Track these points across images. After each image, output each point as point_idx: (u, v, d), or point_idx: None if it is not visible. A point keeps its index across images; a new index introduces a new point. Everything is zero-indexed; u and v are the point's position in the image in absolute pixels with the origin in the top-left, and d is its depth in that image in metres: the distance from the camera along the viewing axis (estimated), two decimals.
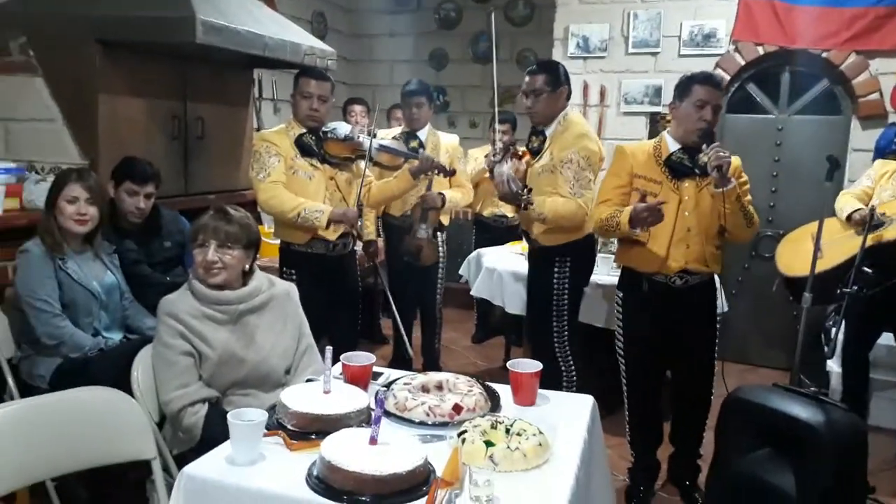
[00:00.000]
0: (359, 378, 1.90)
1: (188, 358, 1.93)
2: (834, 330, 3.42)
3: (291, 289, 2.17)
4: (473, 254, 4.14)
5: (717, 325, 2.77)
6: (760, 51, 4.24)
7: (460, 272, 4.18)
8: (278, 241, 3.16)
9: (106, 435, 1.69)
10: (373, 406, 1.60)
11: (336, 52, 3.96)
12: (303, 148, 2.91)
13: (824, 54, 4.13)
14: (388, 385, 1.91)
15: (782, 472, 2.20)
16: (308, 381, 1.96)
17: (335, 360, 1.91)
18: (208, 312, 1.97)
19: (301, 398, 1.69)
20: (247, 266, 2.05)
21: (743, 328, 4.43)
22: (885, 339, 3.46)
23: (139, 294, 2.65)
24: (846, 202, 3.34)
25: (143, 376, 1.96)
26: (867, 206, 3.24)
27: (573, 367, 3.13)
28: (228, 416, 1.50)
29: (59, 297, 2.36)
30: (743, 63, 4.28)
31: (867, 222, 3.02)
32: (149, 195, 2.72)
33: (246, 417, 1.51)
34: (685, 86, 2.59)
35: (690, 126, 2.56)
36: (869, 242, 2.92)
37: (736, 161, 2.59)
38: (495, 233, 4.57)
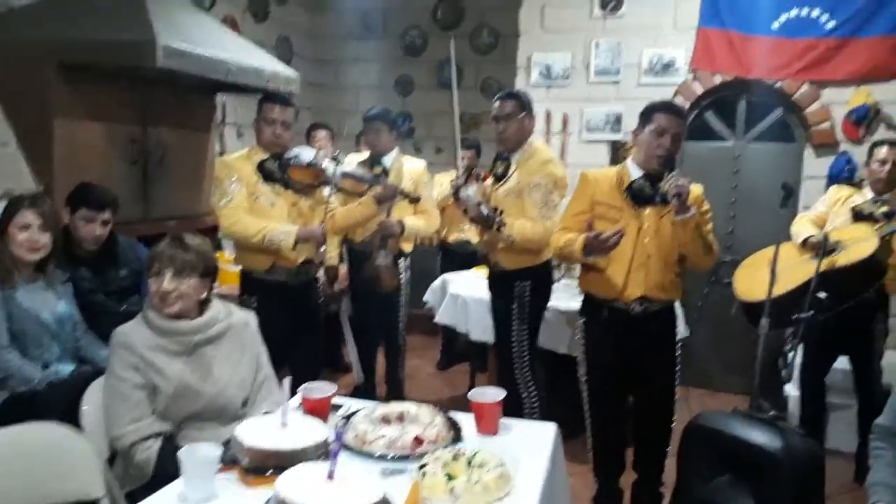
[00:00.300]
0: (318, 410, 1.87)
1: (141, 391, 1.88)
2: (791, 354, 3.49)
3: (250, 318, 2.13)
4: (438, 280, 4.13)
5: (678, 352, 2.79)
6: (717, 80, 4.35)
7: (425, 298, 4.16)
8: (239, 269, 3.11)
9: (51, 473, 1.62)
10: (332, 439, 1.57)
11: (301, 77, 3.96)
12: (265, 173, 2.89)
13: (778, 84, 4.25)
14: (348, 417, 1.88)
15: (742, 498, 2.21)
16: (266, 413, 1.92)
17: (295, 390, 1.88)
18: (163, 343, 1.93)
19: (257, 432, 1.65)
20: (204, 295, 2.01)
21: (704, 353, 4.48)
22: (841, 363, 3.52)
23: (94, 324, 2.58)
24: (801, 227, 3.43)
25: (93, 410, 1.89)
26: (822, 231, 3.33)
27: (535, 393, 3.13)
28: (180, 452, 1.46)
29: (7, 329, 2.29)
30: (701, 91, 4.38)
31: (821, 248, 3.10)
32: (105, 222, 2.66)
33: (199, 453, 1.47)
34: (647, 113, 2.63)
35: (650, 152, 2.58)
36: (823, 268, 2.98)
37: (697, 189, 2.63)
38: (461, 258, 4.57)
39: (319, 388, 1.93)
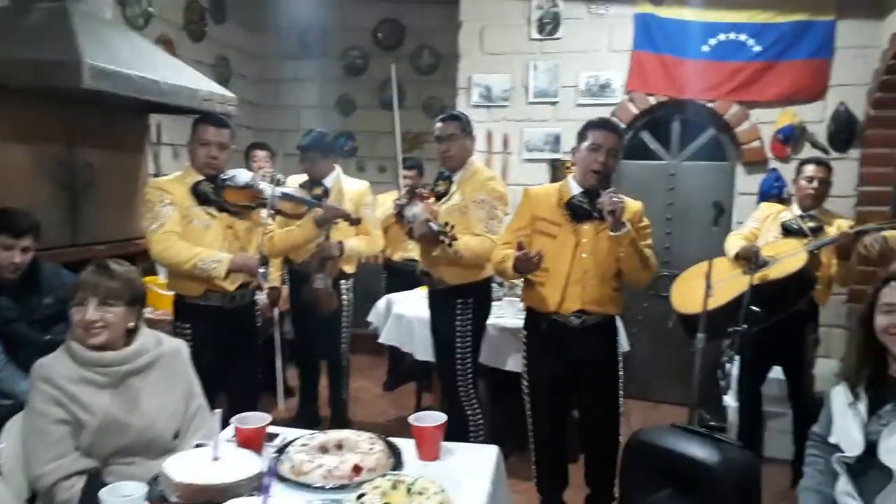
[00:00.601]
0: (252, 441, 1.81)
1: (63, 426, 1.78)
2: (729, 366, 3.58)
3: (181, 346, 2.06)
4: (382, 300, 4.09)
5: (620, 365, 2.82)
6: (652, 101, 4.47)
7: (369, 318, 4.12)
8: (173, 293, 3.01)
9: None
10: (265, 472, 1.52)
11: (238, 97, 3.89)
12: (199, 196, 2.80)
13: (710, 104, 4.39)
14: (284, 447, 1.82)
15: None
16: (197, 445, 1.84)
17: (226, 421, 1.82)
18: (87, 376, 1.84)
19: (187, 467, 1.58)
20: (131, 324, 1.93)
21: (645, 366, 4.55)
22: (776, 372, 3.63)
23: (16, 355, 2.46)
24: (734, 243, 3.53)
25: (11, 448, 1.79)
26: (752, 243, 3.43)
27: (479, 411, 3.12)
28: (101, 492, 1.39)
29: None
30: (636, 112, 4.49)
31: (753, 262, 3.20)
32: (25, 249, 2.53)
33: (121, 493, 1.40)
34: (583, 131, 2.69)
35: (586, 168, 2.63)
36: (755, 282, 3.08)
37: (637, 206, 2.69)
38: (406, 277, 4.54)
39: (253, 418, 1.87)
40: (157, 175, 4.28)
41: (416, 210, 2.93)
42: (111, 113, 3.48)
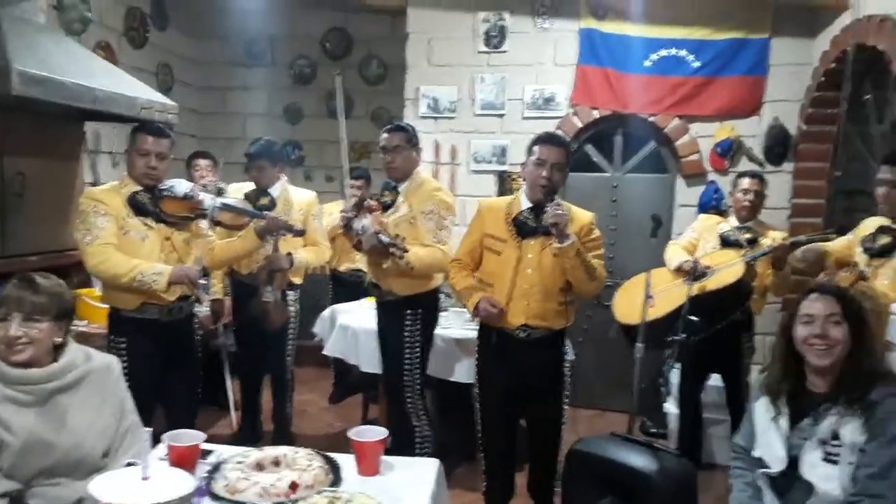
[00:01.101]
0: (185, 459, 1.76)
1: None
2: (669, 374, 3.67)
3: (112, 362, 1.99)
4: (327, 311, 4.04)
5: (567, 377, 2.85)
6: (596, 114, 4.55)
7: (314, 330, 4.07)
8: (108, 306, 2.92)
9: None
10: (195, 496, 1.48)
11: (182, 105, 3.82)
12: (136, 207, 2.72)
13: (651, 118, 4.50)
14: (218, 465, 1.78)
15: None
16: (128, 464, 1.78)
17: (156, 439, 1.77)
18: (10, 394, 1.76)
19: (114, 487, 1.52)
20: (58, 339, 1.86)
21: (589, 374, 4.61)
22: (715, 380, 3.72)
23: None
24: (674, 253, 3.62)
25: None
26: (692, 256, 3.53)
27: (427, 423, 3.11)
28: None
29: None
30: (581, 125, 4.57)
31: (692, 274, 3.29)
32: None
33: None
34: (530, 145, 2.72)
35: (533, 183, 2.65)
36: (694, 292, 3.17)
37: (586, 217, 2.72)
38: (352, 287, 4.51)
39: (187, 436, 1.82)
40: (95, 184, 4.15)
41: (365, 222, 2.90)
42: (44, 120, 3.37)
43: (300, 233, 3.23)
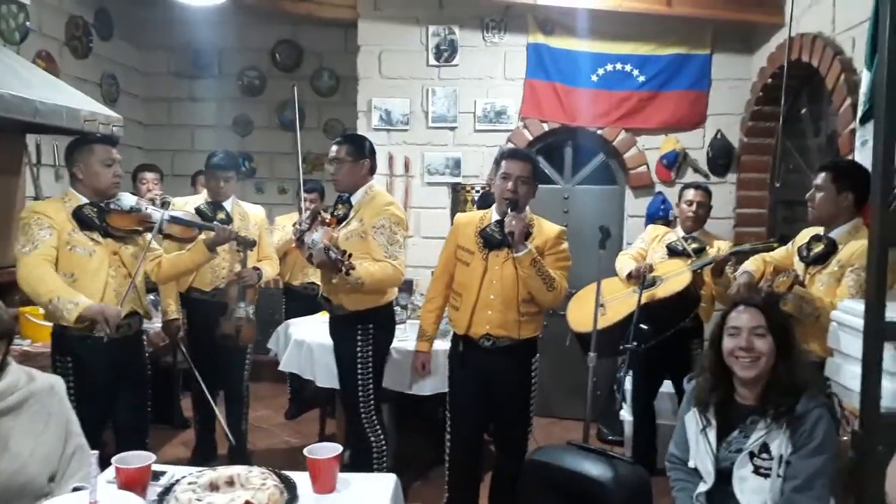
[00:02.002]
0: (134, 482, 1.70)
1: None
2: (622, 382, 3.73)
3: (56, 382, 1.92)
4: (282, 325, 3.99)
5: (533, 387, 2.89)
6: (545, 127, 4.62)
7: (269, 345, 4.01)
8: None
9: None
10: None
11: (127, 116, 3.73)
12: (82, 221, 2.64)
13: (599, 131, 4.59)
14: (170, 487, 1.73)
15: None
16: (76, 489, 1.72)
17: (107, 461, 1.71)
18: None
19: None
20: None
21: (546, 382, 4.62)
22: (668, 386, 3.80)
23: None
24: (624, 263, 3.69)
25: None
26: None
27: (382, 438, 3.09)
28: None
29: None
30: (531, 138, 4.63)
31: (641, 279, 3.35)
32: None
33: None
34: (497, 160, 2.88)
35: (499, 196, 2.79)
36: (644, 300, 3.23)
37: (553, 231, 2.84)
38: (306, 301, 4.46)
39: (136, 457, 1.76)
40: (37, 198, 4.02)
41: (316, 236, 2.87)
42: None
43: (251, 244, 3.19)
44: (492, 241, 2.79)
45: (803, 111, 3.99)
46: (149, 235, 2.80)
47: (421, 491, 3.47)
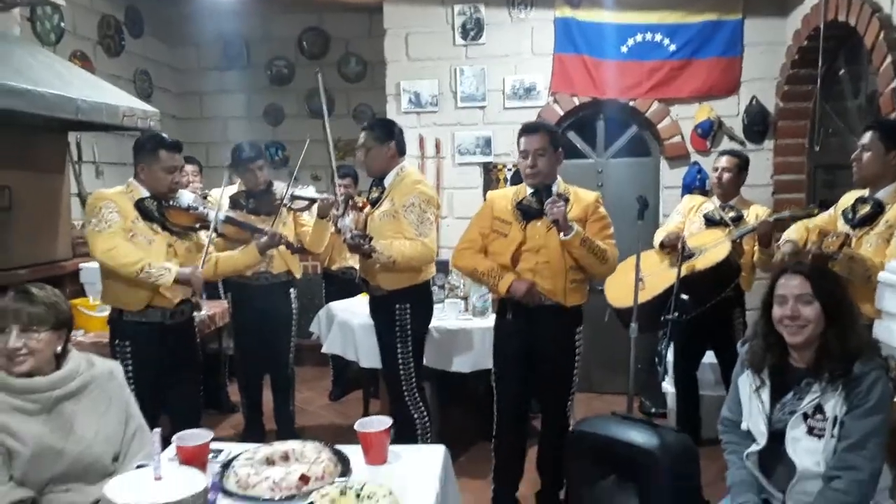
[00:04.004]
0: (194, 458, 1.77)
1: None
2: (664, 353, 3.71)
3: (115, 367, 2.00)
4: (323, 309, 4.06)
5: (578, 351, 2.91)
6: (576, 101, 4.58)
7: (311, 328, 4.08)
8: (105, 314, 2.91)
9: None
10: (209, 491, 1.50)
11: (161, 111, 3.80)
12: (143, 212, 2.75)
13: (631, 103, 4.54)
14: (229, 462, 1.80)
15: (627, 497, 2.32)
16: (139, 466, 1.79)
17: (167, 440, 1.78)
18: (16, 404, 1.77)
19: (128, 489, 1.54)
20: (59, 348, 1.87)
21: (585, 358, 4.62)
22: (709, 357, 3.77)
23: None
24: (661, 236, 3.66)
25: None
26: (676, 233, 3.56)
27: (426, 414, 3.14)
28: None
29: None
30: (562, 113, 4.59)
31: (680, 253, 3.33)
32: None
33: None
34: (517, 141, 2.86)
35: (524, 173, 2.83)
36: (683, 272, 3.21)
37: (590, 197, 2.86)
38: (345, 286, 4.52)
39: (194, 436, 1.83)
40: (80, 195, 4.14)
41: (347, 221, 2.97)
42: (27, 133, 3.35)
43: (299, 249, 3.28)
44: (530, 211, 2.81)
45: (841, 72, 3.89)
46: (204, 234, 2.88)
47: (465, 466, 3.51)
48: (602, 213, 2.86)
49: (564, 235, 2.64)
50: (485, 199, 3.08)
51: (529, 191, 2.85)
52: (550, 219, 2.65)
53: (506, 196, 2.94)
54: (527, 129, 2.84)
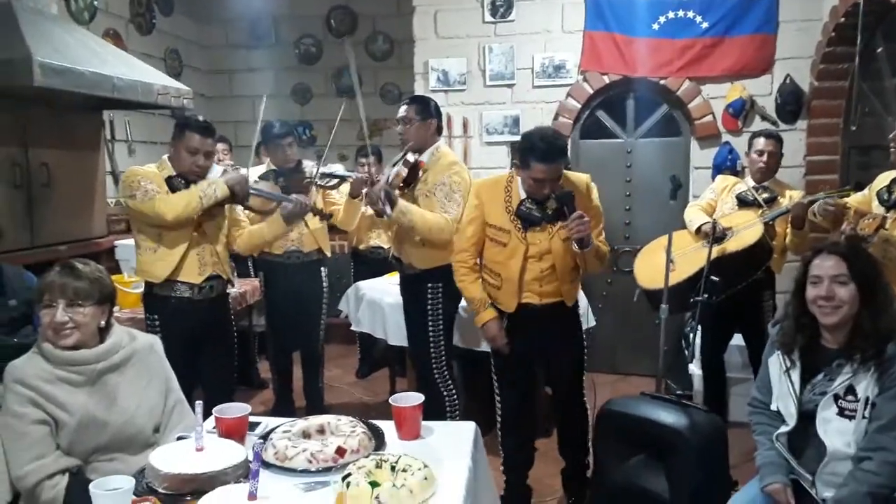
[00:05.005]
0: (234, 431, 1.82)
1: (42, 427, 1.77)
2: (692, 336, 3.70)
3: (155, 342, 2.05)
4: (352, 287, 4.10)
5: (585, 342, 2.89)
6: (606, 80, 4.53)
7: (339, 307, 4.13)
8: (139, 291, 2.98)
9: None
10: (250, 459, 1.54)
11: (192, 89, 3.84)
12: (173, 189, 2.79)
13: (662, 82, 4.48)
14: (267, 435, 1.84)
15: (656, 476, 2.34)
16: (179, 438, 1.85)
17: (208, 412, 1.83)
18: (63, 375, 1.83)
19: (172, 458, 1.60)
20: (102, 322, 1.92)
21: (611, 340, 4.66)
22: (737, 340, 3.75)
23: None
24: (694, 215, 3.62)
25: None
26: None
27: (454, 392, 3.18)
28: (91, 486, 1.39)
29: None
30: (591, 91, 4.55)
31: (711, 235, 3.30)
32: None
33: (110, 486, 1.41)
34: (524, 156, 2.56)
35: (533, 193, 2.61)
36: (714, 254, 3.18)
37: (583, 183, 2.72)
38: (373, 265, 4.55)
39: (233, 408, 1.88)
40: (113, 173, 4.21)
41: (393, 172, 2.98)
42: (63, 111, 3.41)
43: (327, 216, 3.29)
44: (531, 219, 2.64)
45: (879, 50, 3.80)
46: (237, 208, 2.92)
47: (492, 444, 3.54)
48: (596, 204, 2.74)
49: (583, 248, 2.52)
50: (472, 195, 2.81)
51: (524, 194, 2.64)
52: (575, 237, 2.48)
53: (496, 196, 2.69)
54: (549, 158, 2.50)
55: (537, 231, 2.64)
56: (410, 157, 3.06)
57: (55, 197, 3.34)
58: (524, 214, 2.64)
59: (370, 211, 3.57)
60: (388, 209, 2.85)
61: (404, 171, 3.03)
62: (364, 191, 3.05)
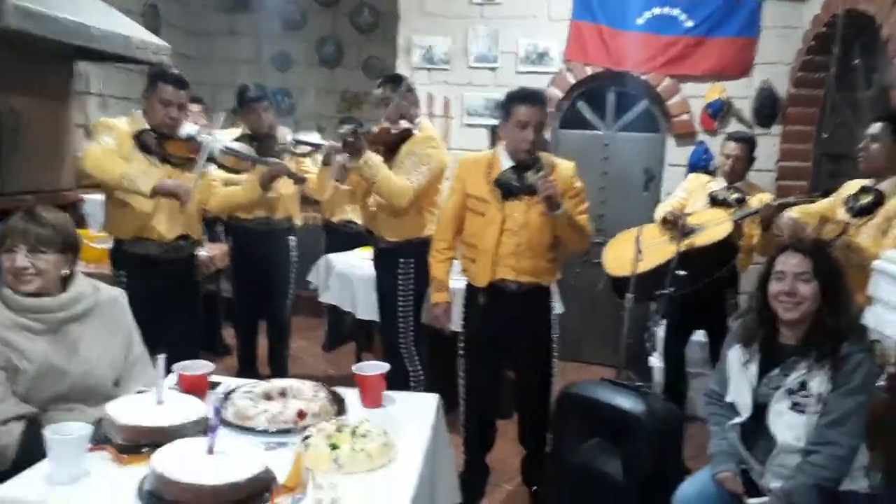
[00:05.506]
0: (195, 388, 1.81)
1: None
2: (655, 328, 3.76)
3: (120, 295, 2.03)
4: (322, 259, 4.08)
5: (554, 328, 2.90)
6: (589, 71, 4.55)
7: (309, 278, 4.11)
8: (104, 246, 2.93)
9: None
10: (210, 415, 1.53)
11: (171, 47, 3.76)
12: (142, 144, 2.74)
13: (644, 77, 4.51)
14: (228, 394, 1.83)
15: (611, 458, 2.38)
16: (139, 392, 1.84)
17: (170, 368, 1.81)
18: (23, 322, 1.80)
19: (130, 410, 1.58)
20: (65, 271, 1.89)
21: (577, 329, 4.71)
22: (698, 336, 3.82)
23: None
24: (663, 211, 3.68)
25: None
26: (678, 208, 3.59)
27: (420, 368, 3.19)
28: (45, 430, 1.38)
29: None
30: (574, 82, 4.57)
31: (680, 230, 3.35)
32: None
33: (66, 431, 1.39)
34: (506, 105, 2.61)
35: (517, 146, 2.60)
36: (683, 248, 3.24)
37: (569, 168, 2.72)
38: (345, 239, 4.52)
39: (196, 366, 1.87)
40: (85, 126, 4.11)
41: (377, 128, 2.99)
42: (36, 58, 3.32)
43: (301, 179, 3.25)
44: (511, 189, 2.63)
45: (856, 62, 3.88)
46: (211, 165, 2.87)
47: (454, 423, 3.57)
48: (580, 186, 2.73)
49: (552, 212, 2.51)
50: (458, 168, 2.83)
51: (507, 164, 2.65)
52: (543, 195, 2.47)
53: (478, 167, 2.72)
54: (533, 99, 2.58)
55: (516, 202, 2.63)
56: (405, 124, 3.04)
57: (24, 145, 3.26)
58: (503, 182, 2.64)
59: (343, 186, 3.57)
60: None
61: (394, 130, 3.00)
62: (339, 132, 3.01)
